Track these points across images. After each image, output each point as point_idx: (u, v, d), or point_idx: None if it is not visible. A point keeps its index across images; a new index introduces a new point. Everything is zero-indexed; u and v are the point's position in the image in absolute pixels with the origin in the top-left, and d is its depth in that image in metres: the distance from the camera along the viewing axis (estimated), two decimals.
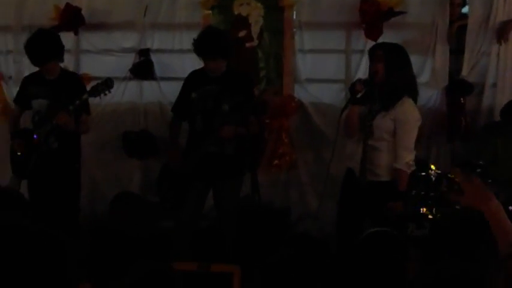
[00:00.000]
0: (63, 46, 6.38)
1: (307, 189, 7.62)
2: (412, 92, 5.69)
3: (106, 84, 6.24)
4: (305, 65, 7.57)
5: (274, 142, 7.53)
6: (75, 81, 6.46)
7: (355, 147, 5.74)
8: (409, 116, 5.54)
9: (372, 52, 5.71)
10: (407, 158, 5.52)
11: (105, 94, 6.31)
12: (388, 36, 7.11)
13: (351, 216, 5.77)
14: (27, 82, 6.61)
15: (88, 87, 6.49)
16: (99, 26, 7.98)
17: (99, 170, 8.01)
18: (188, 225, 6.43)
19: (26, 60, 7.97)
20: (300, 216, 7.56)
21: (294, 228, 7.45)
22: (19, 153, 6.38)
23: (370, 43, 6.85)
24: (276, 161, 7.55)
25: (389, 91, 5.52)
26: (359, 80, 5.79)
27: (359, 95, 5.57)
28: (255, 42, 7.63)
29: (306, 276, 5.88)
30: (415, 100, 5.71)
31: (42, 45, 6.20)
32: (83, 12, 7.83)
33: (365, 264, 4.69)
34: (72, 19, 7.79)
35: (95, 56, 7.98)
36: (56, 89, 6.28)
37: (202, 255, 6.21)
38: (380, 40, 7.06)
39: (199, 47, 6.10)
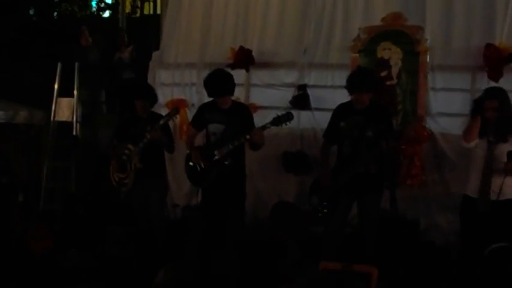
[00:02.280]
0: (234, 84, 7.14)
1: (433, 204, 8.26)
2: None
3: (287, 116, 6.88)
4: (436, 101, 8.35)
5: (408, 165, 8.25)
6: (245, 111, 7.27)
7: (474, 176, 6.35)
8: None
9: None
10: None
11: (286, 124, 6.96)
12: (507, 78, 7.93)
13: (477, 238, 6.14)
14: (204, 109, 7.37)
15: (254, 115, 7.34)
16: (266, 65, 9.19)
17: (261, 182, 8.93)
18: (336, 234, 6.96)
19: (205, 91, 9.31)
20: (427, 226, 8.25)
21: (422, 236, 8.07)
22: (199, 168, 7.13)
23: (492, 84, 7.67)
24: (409, 181, 8.26)
25: (505, 124, 6.20)
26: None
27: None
28: (394, 81, 8.52)
29: (431, 279, 6.61)
30: None
31: (219, 82, 7.06)
32: (253, 53, 9.12)
33: (491, 276, 5.20)
34: (244, 59, 9.12)
35: (262, 89, 9.15)
36: (230, 116, 7.07)
37: (347, 256, 6.67)
38: (500, 81, 7.84)
39: (351, 82, 6.87)
